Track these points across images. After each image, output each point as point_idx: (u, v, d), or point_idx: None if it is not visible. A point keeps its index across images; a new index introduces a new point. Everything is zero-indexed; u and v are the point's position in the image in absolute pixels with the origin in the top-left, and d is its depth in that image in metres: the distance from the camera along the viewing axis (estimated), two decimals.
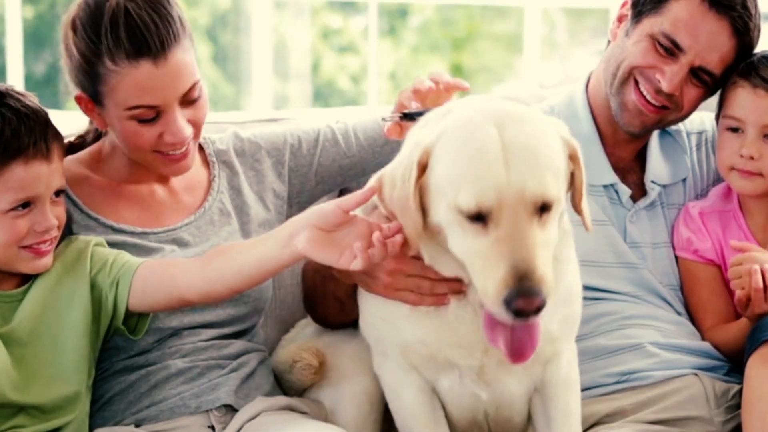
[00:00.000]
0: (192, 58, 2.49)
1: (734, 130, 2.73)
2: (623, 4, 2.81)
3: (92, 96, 2.49)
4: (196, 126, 2.53)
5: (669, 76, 2.70)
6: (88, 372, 2.47)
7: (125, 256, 2.47)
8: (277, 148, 2.79)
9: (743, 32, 2.70)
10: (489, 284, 2.03)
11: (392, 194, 2.19)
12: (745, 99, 2.71)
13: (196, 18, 10.14)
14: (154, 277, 2.41)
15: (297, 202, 2.79)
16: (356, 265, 2.16)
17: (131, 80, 2.42)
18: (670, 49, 2.70)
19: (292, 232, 2.24)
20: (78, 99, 2.51)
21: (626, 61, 2.75)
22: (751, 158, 2.70)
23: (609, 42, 2.85)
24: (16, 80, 6.28)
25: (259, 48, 9.00)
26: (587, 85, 2.90)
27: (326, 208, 2.22)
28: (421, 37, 10.77)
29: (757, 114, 2.70)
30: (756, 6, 2.73)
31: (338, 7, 10.51)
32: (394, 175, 2.19)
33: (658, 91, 2.72)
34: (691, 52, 2.69)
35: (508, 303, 2.01)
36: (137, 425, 2.51)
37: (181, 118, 2.48)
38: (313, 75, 10.32)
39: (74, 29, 2.46)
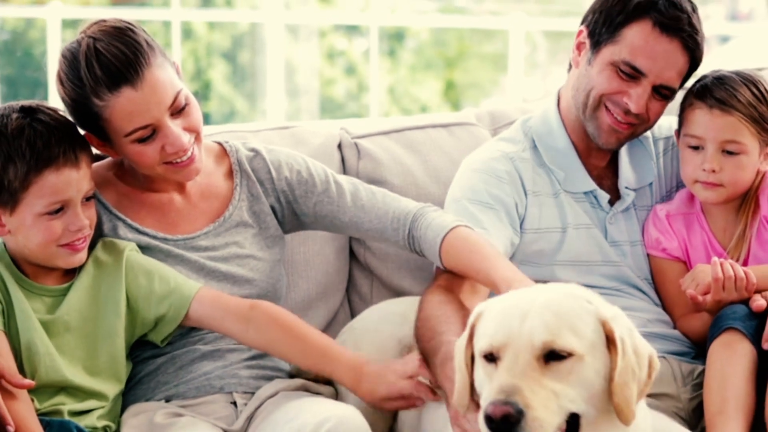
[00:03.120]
0: (168, 72, 2.46)
1: (695, 148, 2.72)
2: (579, 33, 2.78)
3: (96, 133, 2.47)
4: (193, 131, 2.50)
5: (635, 99, 2.68)
6: (123, 366, 2.48)
7: (173, 277, 2.47)
8: (296, 172, 2.70)
9: (693, 48, 2.69)
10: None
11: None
12: (702, 118, 2.70)
13: (217, 41, 10.13)
14: (207, 318, 2.46)
15: (288, 229, 2.73)
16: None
17: (120, 109, 2.41)
18: (632, 74, 2.68)
19: (363, 376, 2.38)
20: (88, 138, 2.49)
21: (594, 89, 2.73)
22: (713, 171, 2.69)
23: (570, 66, 2.83)
24: (56, 94, 6.25)
25: (273, 67, 8.99)
26: (558, 103, 2.86)
27: (398, 383, 2.34)
28: (417, 57, 10.78)
29: (714, 132, 2.68)
30: (699, 20, 2.71)
31: (343, 32, 10.52)
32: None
33: (627, 112, 2.71)
34: (651, 74, 2.68)
35: (484, 415, 1.93)
36: (167, 401, 2.50)
37: (175, 128, 2.45)
38: (320, 91, 10.32)
39: (61, 82, 2.46)
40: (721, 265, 2.58)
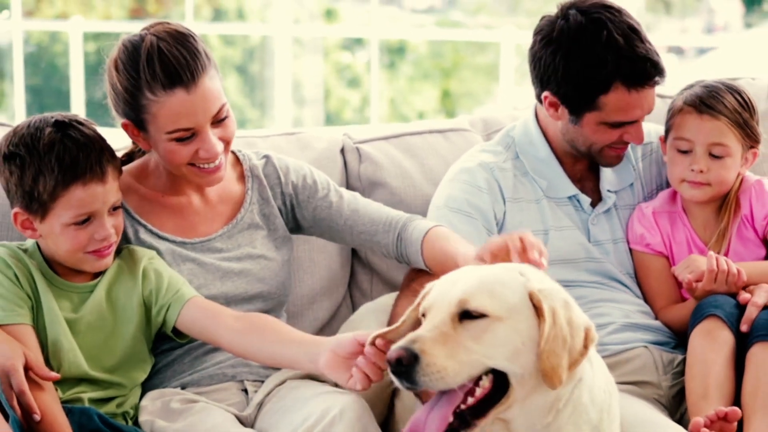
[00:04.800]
0: (218, 84, 2.47)
1: (683, 151, 2.75)
2: (545, 98, 2.70)
3: (136, 123, 2.47)
4: (226, 141, 2.50)
5: (635, 136, 2.70)
6: (142, 363, 2.48)
7: (178, 281, 2.47)
8: (301, 179, 2.70)
9: (660, 79, 2.67)
10: None
11: None
12: (692, 123, 2.73)
13: (231, 55, 10.14)
14: (199, 322, 2.42)
15: (290, 228, 2.72)
16: (353, 384, 2.15)
17: (169, 107, 2.40)
18: (626, 123, 2.69)
19: (320, 351, 2.23)
20: (124, 126, 2.49)
21: (595, 145, 2.72)
22: (701, 172, 2.72)
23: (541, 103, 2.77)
24: (78, 103, 6.25)
25: (281, 79, 9.00)
26: (537, 116, 2.84)
27: (345, 338, 2.20)
28: (416, 68, 10.79)
29: (703, 135, 2.72)
30: (649, 42, 2.66)
31: (346, 45, 10.53)
32: None
33: (627, 143, 2.74)
34: (642, 117, 2.69)
35: (386, 360, 1.98)
36: (182, 388, 2.50)
37: (212, 136, 2.45)
38: (324, 101, 10.33)
39: (117, 68, 2.44)
40: (717, 259, 2.61)
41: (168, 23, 2.47)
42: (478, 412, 2.00)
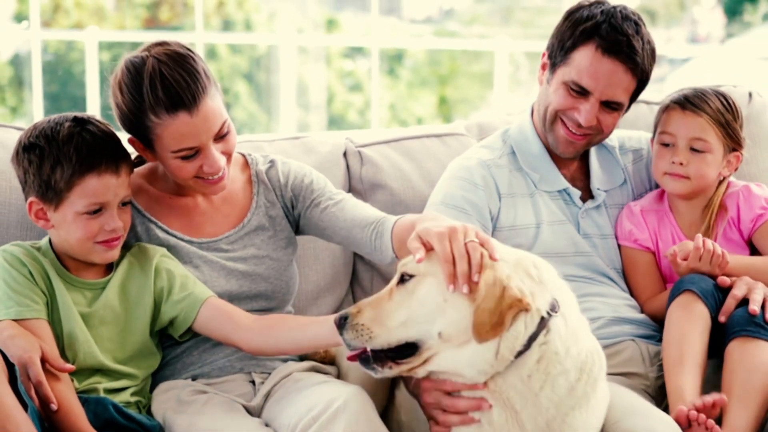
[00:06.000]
0: (219, 102, 2.44)
1: (667, 145, 2.78)
2: (543, 55, 2.81)
3: (142, 141, 2.45)
4: (228, 154, 2.49)
5: (584, 114, 2.70)
6: (151, 355, 2.48)
7: (190, 281, 2.46)
8: (301, 182, 2.68)
9: (633, 67, 2.69)
10: None
11: None
12: (676, 118, 2.77)
13: (238, 63, 10.14)
14: (215, 321, 2.43)
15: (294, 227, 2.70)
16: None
17: (173, 129, 2.39)
18: (580, 92, 2.70)
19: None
20: (131, 141, 2.47)
21: (551, 106, 2.76)
22: (681, 164, 2.75)
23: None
24: (93, 108, 6.24)
25: (286, 85, 9.00)
26: (532, 115, 2.88)
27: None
28: (414, 75, 10.80)
29: (685, 129, 2.75)
30: (643, 40, 2.70)
31: (348, 53, 10.53)
32: None
33: (579, 125, 2.73)
34: (597, 91, 2.69)
35: None
36: (193, 380, 2.50)
37: (215, 152, 2.43)
38: (328, 106, 10.34)
39: (121, 90, 2.42)
40: (704, 240, 2.64)
41: (167, 44, 2.43)
42: (386, 358, 2.14)
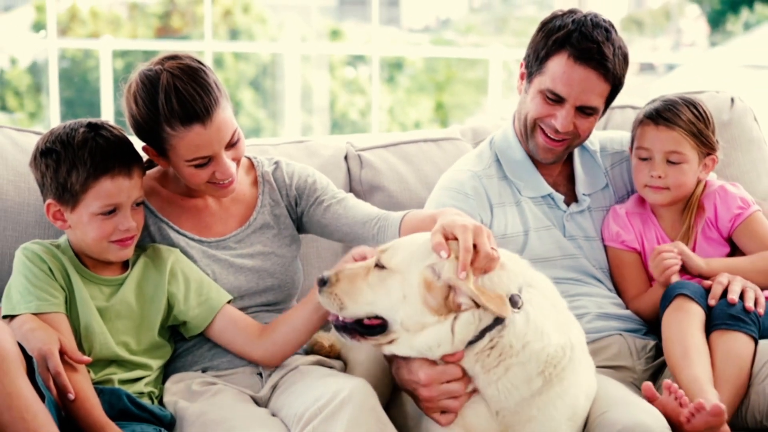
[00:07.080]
0: (230, 112, 2.45)
1: (644, 159, 2.77)
2: (521, 65, 2.79)
3: (156, 149, 2.46)
4: (238, 160, 2.50)
5: (560, 120, 2.69)
6: (163, 348, 2.49)
7: (205, 285, 2.48)
8: (305, 183, 2.68)
9: (605, 72, 2.68)
10: None
11: None
12: (650, 134, 2.75)
13: (245, 70, 10.15)
14: (228, 334, 2.47)
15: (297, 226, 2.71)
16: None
17: (187, 140, 2.39)
18: (555, 99, 2.69)
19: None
20: (145, 149, 2.48)
21: (529, 114, 2.74)
22: (659, 177, 2.74)
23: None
24: (108, 114, 6.25)
25: (291, 91, 9.01)
26: (514, 123, 2.86)
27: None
28: (412, 81, 10.80)
29: (660, 144, 2.73)
30: (614, 47, 2.68)
31: (350, 61, 10.53)
32: None
33: (556, 131, 2.72)
34: (571, 97, 2.68)
35: None
36: (203, 371, 2.51)
37: (227, 159, 2.44)
38: (330, 110, 10.34)
39: (135, 102, 2.42)
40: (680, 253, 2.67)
41: (180, 58, 2.43)
42: (355, 332, 2.25)
